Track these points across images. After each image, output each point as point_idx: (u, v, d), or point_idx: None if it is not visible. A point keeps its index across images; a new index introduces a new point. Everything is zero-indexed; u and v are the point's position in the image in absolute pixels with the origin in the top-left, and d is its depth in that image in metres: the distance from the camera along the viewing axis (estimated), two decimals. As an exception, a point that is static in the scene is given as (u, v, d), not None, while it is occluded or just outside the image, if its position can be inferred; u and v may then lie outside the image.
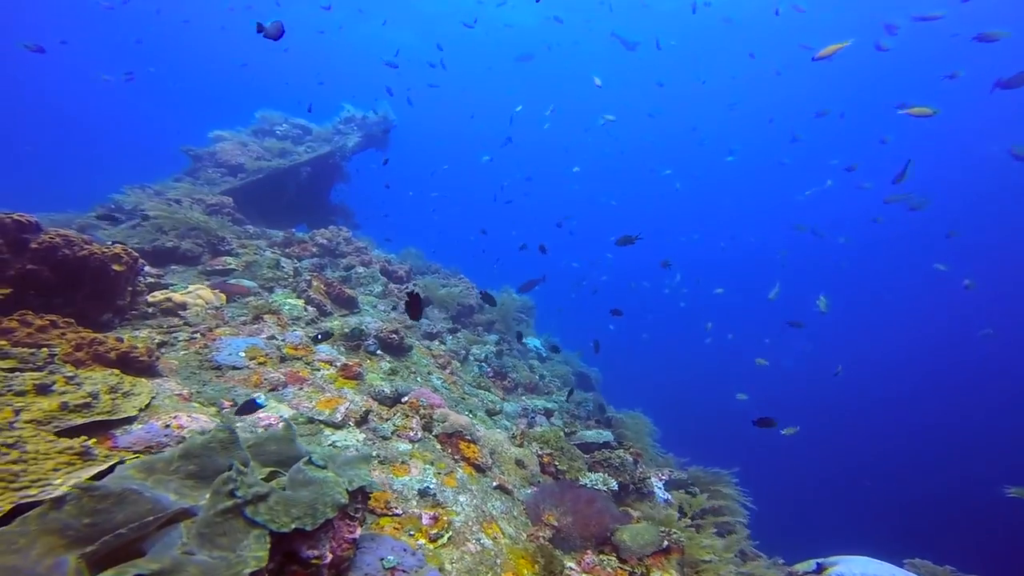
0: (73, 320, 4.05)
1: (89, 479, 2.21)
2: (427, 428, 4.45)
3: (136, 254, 4.94)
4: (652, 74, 29.03)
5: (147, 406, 3.26)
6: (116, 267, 4.71)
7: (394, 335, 5.92)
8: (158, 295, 5.58)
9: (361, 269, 8.64)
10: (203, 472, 2.23)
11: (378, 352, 5.79)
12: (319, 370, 4.82)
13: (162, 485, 2.11)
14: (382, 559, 2.42)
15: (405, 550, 2.56)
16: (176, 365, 4.17)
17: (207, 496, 2.21)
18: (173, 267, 6.91)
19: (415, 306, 3.84)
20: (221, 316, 5.50)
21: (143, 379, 3.51)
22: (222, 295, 5.96)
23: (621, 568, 3.67)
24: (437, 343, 7.42)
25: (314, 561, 2.08)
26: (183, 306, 5.55)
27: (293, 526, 1.91)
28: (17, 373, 2.89)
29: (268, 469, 2.41)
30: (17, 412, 2.49)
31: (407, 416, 4.37)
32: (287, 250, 8.69)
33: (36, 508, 1.90)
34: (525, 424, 6.16)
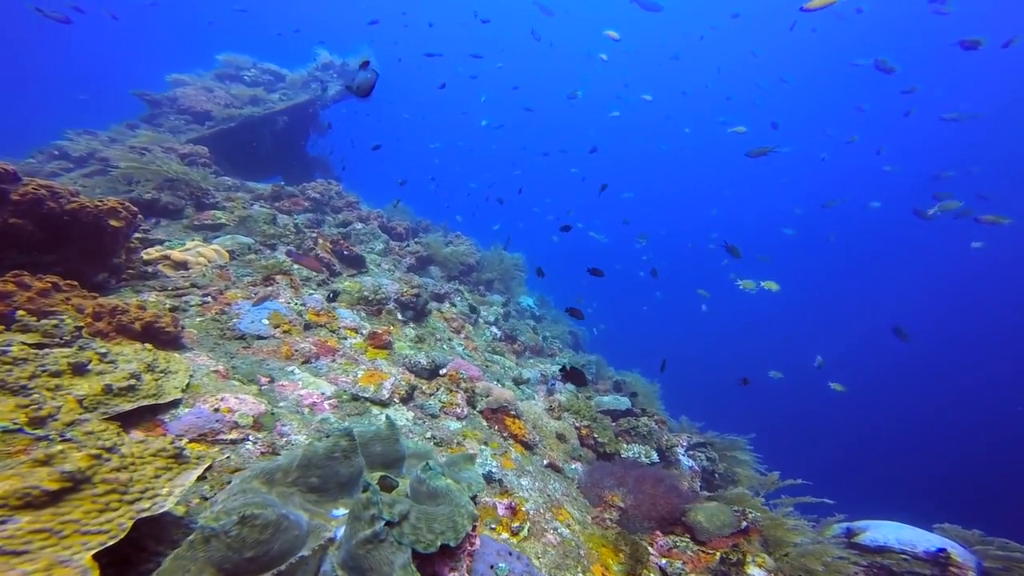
0: (76, 283, 3.59)
1: (194, 482, 1.93)
2: (471, 403, 4.27)
3: (135, 208, 4.39)
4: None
5: (187, 386, 2.92)
6: (114, 222, 4.18)
7: (415, 298, 5.61)
8: (153, 252, 5.06)
9: (359, 226, 8.15)
10: (325, 484, 1.98)
11: (400, 317, 5.50)
12: (346, 339, 4.51)
13: (287, 500, 1.85)
14: (492, 567, 2.27)
15: (511, 554, 2.41)
16: (196, 335, 3.79)
17: (342, 518, 1.98)
18: (154, 221, 6.28)
19: (577, 377, 4.08)
20: (228, 276, 5.04)
21: (175, 354, 3.15)
22: (224, 252, 5.47)
23: (704, 551, 3.55)
24: (447, 305, 7.14)
25: None
26: (184, 265, 5.06)
27: (439, 543, 1.72)
28: (46, 350, 2.49)
29: (378, 473, 2.18)
30: (80, 402, 2.14)
31: (451, 391, 4.16)
32: (276, 204, 8.07)
33: (198, 534, 1.65)
34: (545, 391, 6.08)
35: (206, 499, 2.38)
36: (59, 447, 1.74)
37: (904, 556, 4.36)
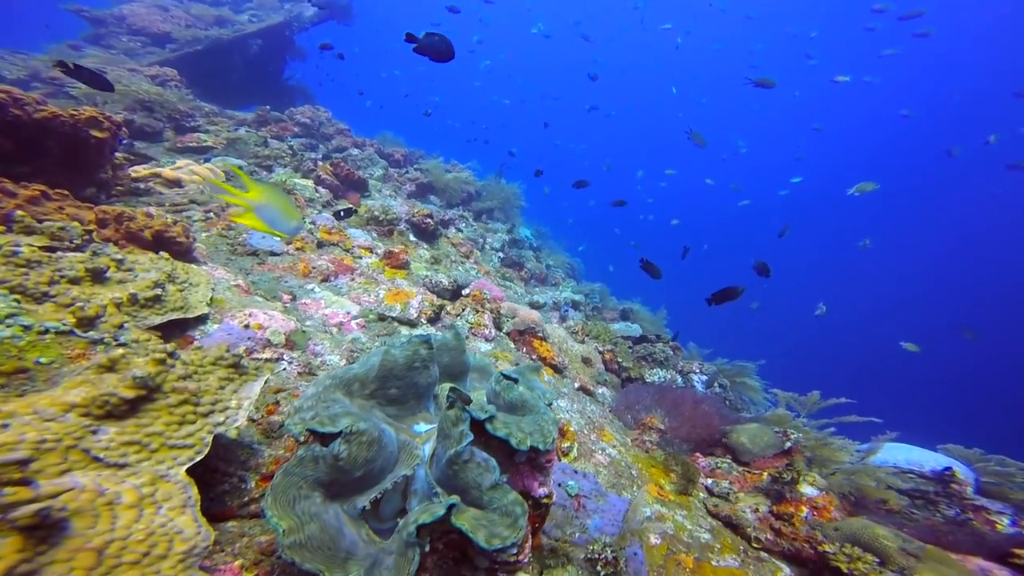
0: (67, 192, 3.24)
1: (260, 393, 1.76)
2: (497, 325, 4.12)
3: (118, 119, 3.93)
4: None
5: (211, 300, 2.69)
6: (96, 133, 3.75)
7: (428, 219, 5.34)
8: (141, 170, 4.63)
9: (355, 151, 7.66)
10: (404, 396, 1.80)
11: (412, 238, 5.23)
12: (361, 258, 4.26)
13: (369, 413, 1.69)
14: (561, 484, 2.20)
15: (576, 472, 2.34)
16: (205, 250, 3.50)
17: (425, 434, 1.83)
18: (127, 143, 5.76)
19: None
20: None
21: (193, 266, 2.89)
22: (221, 171, 5.05)
23: (749, 472, 3.55)
24: (453, 231, 6.87)
25: (545, 500, 1.80)
26: (177, 183, 4.66)
27: (529, 443, 1.58)
28: (59, 254, 2.21)
29: (447, 385, 2.03)
30: (119, 307, 1.90)
31: (477, 312, 3.99)
32: (263, 130, 7.49)
33: (304, 451, 1.49)
34: (558, 318, 5.99)
35: (254, 420, 2.23)
36: (120, 351, 1.54)
37: (912, 475, 4.53)
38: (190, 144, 5.98)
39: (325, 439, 1.58)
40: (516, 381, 1.85)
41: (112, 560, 1.23)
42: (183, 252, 3.06)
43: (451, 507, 1.47)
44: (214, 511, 1.86)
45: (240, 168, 5.58)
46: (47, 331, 1.56)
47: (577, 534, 2.34)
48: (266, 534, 1.88)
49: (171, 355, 1.58)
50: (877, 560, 2.87)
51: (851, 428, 4.12)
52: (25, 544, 1.12)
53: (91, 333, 1.65)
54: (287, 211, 2.28)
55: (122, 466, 1.35)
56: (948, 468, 4.37)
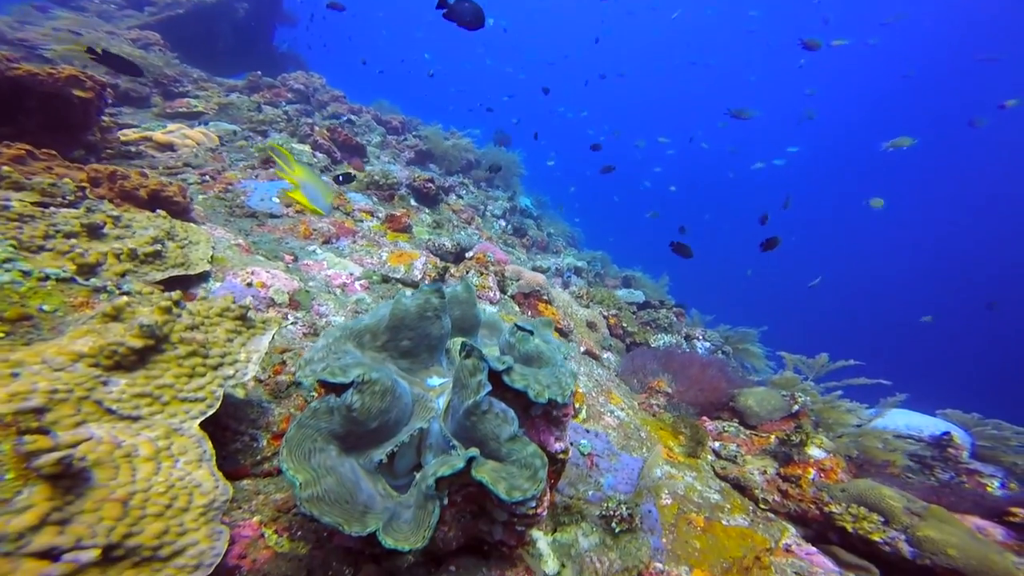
0: (54, 152, 3.12)
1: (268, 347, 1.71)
2: (502, 288, 4.06)
3: (102, 80, 3.77)
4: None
5: (212, 258, 2.62)
6: (79, 93, 3.60)
7: (429, 184, 5.22)
8: (131, 134, 4.48)
9: (352, 118, 7.45)
10: (416, 348, 1.75)
11: (413, 203, 5.13)
12: (362, 221, 4.17)
13: (381, 366, 1.64)
14: (573, 444, 2.17)
15: (588, 431, 2.32)
16: (203, 211, 3.41)
17: (439, 387, 1.79)
18: (115, 109, 5.56)
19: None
20: (221, 159, 4.55)
21: (192, 225, 2.80)
22: (215, 136, 4.90)
23: (757, 435, 3.54)
24: (454, 197, 6.75)
25: (561, 456, 1.76)
26: (170, 147, 4.52)
27: (547, 396, 1.54)
28: (52, 210, 2.12)
29: (459, 339, 1.98)
30: (119, 257, 1.83)
31: (481, 274, 3.92)
32: (255, 96, 7.26)
33: (318, 403, 1.45)
34: (561, 284, 5.94)
35: (261, 381, 2.19)
36: (124, 299, 1.47)
37: (911, 440, 4.57)
38: (180, 109, 5.80)
39: (337, 390, 1.54)
40: (531, 333, 1.80)
41: (137, 512, 1.22)
42: (181, 212, 2.97)
43: (471, 460, 1.43)
44: (227, 469, 1.83)
45: (235, 132, 5.42)
46: (47, 277, 1.49)
47: (591, 492, 2.33)
48: (281, 492, 1.86)
49: (177, 304, 1.52)
50: (882, 519, 2.89)
51: (859, 391, 4.12)
52: (53, 493, 1.10)
53: (93, 281, 1.58)
54: (323, 190, 2.41)
55: (135, 419, 1.31)
56: (946, 433, 4.42)
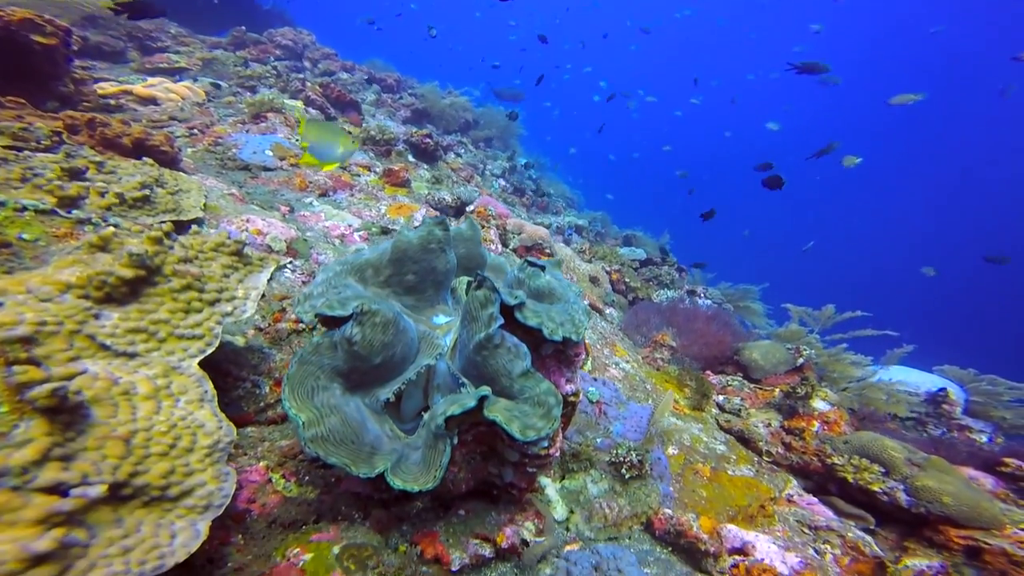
0: (23, 100, 2.96)
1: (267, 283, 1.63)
2: (504, 241, 3.98)
3: (63, 24, 3.53)
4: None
5: (205, 206, 2.51)
6: (40, 39, 3.36)
7: (427, 139, 5.06)
8: (108, 87, 4.28)
9: (344, 75, 7.20)
10: (421, 284, 1.67)
11: (411, 159, 4.98)
12: (360, 175, 4.05)
13: (384, 301, 1.57)
14: (582, 391, 2.12)
15: (596, 379, 2.27)
16: (193, 164, 3.28)
17: (445, 325, 1.72)
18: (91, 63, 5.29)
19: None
20: (209, 113, 4.37)
21: (182, 174, 2.68)
22: (200, 91, 4.69)
23: (761, 389, 3.51)
24: (452, 156, 6.57)
25: (572, 399, 1.71)
26: (152, 100, 4.33)
27: (560, 333, 1.48)
28: (27, 154, 2.00)
29: (465, 279, 1.91)
30: (102, 194, 1.73)
31: (483, 227, 3.83)
32: (240, 52, 6.95)
33: (320, 338, 1.39)
34: (562, 241, 5.85)
35: (261, 330, 2.12)
36: (111, 229, 1.39)
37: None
38: (160, 65, 5.55)
39: (340, 326, 1.47)
40: (543, 269, 1.73)
41: (140, 451, 1.19)
42: (169, 162, 2.85)
43: (483, 398, 1.37)
44: (231, 416, 1.78)
45: (221, 87, 5.21)
46: (24, 208, 1.40)
47: (600, 439, 2.31)
48: (287, 439, 1.82)
49: (168, 235, 1.43)
50: (882, 470, 2.92)
51: (865, 344, 4.08)
52: (51, 427, 1.06)
53: (76, 213, 1.49)
54: (333, 139, 2.30)
55: (131, 355, 1.25)
56: (943, 389, 4.44)
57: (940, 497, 2.68)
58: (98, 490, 1.04)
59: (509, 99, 9.54)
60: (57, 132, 2.30)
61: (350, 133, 2.26)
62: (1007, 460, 3.23)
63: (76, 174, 2.00)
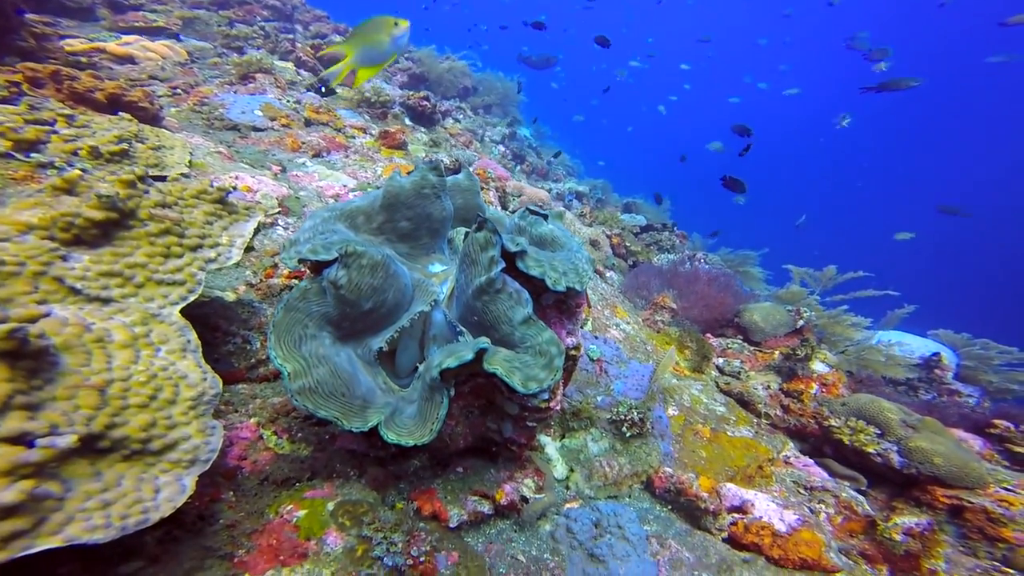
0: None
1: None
2: (503, 203, 3.87)
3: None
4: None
5: (190, 164, 2.40)
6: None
7: (424, 102, 4.89)
8: (77, 44, 4.07)
9: (337, 38, 6.93)
10: (416, 231, 1.59)
11: (408, 122, 4.83)
12: (355, 137, 3.92)
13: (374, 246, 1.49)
14: (584, 348, 2.06)
15: (596, 337, 2.21)
16: (177, 123, 3.15)
17: (442, 273, 1.63)
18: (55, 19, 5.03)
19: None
20: (193, 73, 4.20)
21: (165, 131, 2.57)
22: (182, 51, 4.50)
23: (761, 351, 3.47)
24: (451, 121, 6.39)
25: (573, 352, 1.64)
26: (129, 60, 4.15)
27: (563, 283, 1.40)
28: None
29: (463, 230, 1.82)
30: (67, 140, 1.63)
31: (482, 188, 3.72)
32: (224, 12, 6.66)
33: (307, 283, 1.31)
34: (562, 206, 5.74)
35: (252, 285, 2.05)
36: (77, 171, 1.30)
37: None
38: (135, 23, 5.28)
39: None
40: (545, 218, 1.65)
41: (118, 401, 1.12)
42: (149, 119, 2.72)
43: (482, 351, 1.30)
44: (221, 372, 1.72)
45: (204, 49, 5.01)
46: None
47: (600, 397, 2.27)
48: (279, 395, 1.77)
49: (142, 179, 1.34)
50: (878, 432, 2.91)
51: (866, 306, 4.02)
52: (13, 373, 0.99)
53: (36, 156, 1.39)
54: (378, 33, 2.04)
55: (106, 301, 1.18)
56: (936, 353, 4.42)
57: (931, 458, 2.70)
58: (67, 441, 0.98)
59: (539, 65, 9.25)
60: (15, 83, 2.17)
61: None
62: (996, 422, 3.26)
63: (43, 125, 1.88)
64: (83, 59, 3.78)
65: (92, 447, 1.08)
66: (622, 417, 2.14)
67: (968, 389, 4.15)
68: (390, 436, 1.35)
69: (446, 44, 9.19)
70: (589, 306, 2.89)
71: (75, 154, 1.54)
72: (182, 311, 1.31)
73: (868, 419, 3.05)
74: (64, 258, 1.14)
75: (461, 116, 6.73)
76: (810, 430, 3.13)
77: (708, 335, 3.62)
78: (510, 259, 1.44)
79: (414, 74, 7.18)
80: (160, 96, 3.49)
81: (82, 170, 1.42)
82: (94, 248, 1.20)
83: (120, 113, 2.36)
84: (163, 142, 2.38)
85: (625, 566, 1.57)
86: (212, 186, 1.52)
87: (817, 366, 3.44)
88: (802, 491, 2.50)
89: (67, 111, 2.13)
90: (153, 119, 2.77)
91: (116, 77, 3.66)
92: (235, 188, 2.35)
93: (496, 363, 1.30)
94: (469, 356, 1.27)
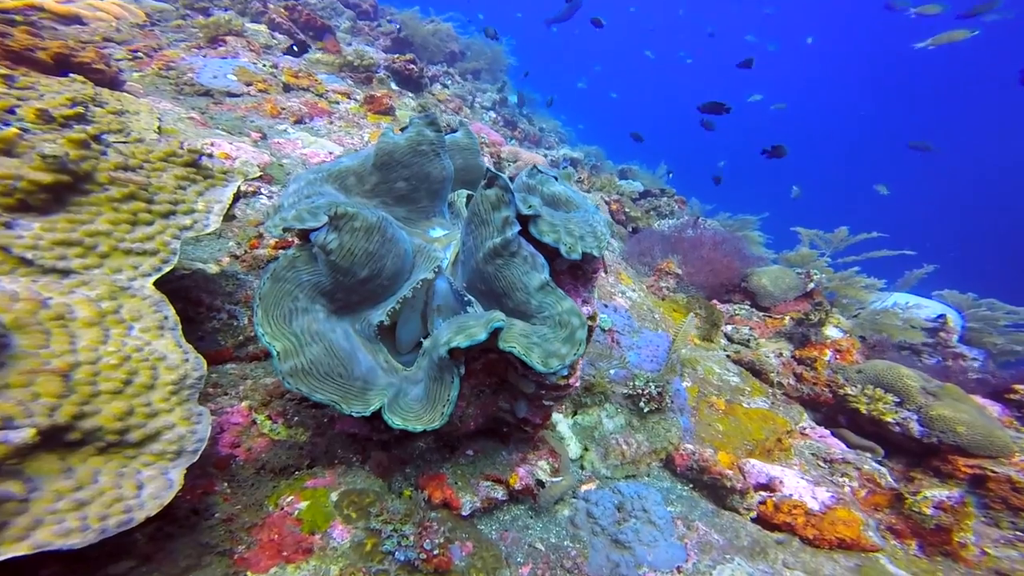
0: None
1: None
2: (498, 168, 3.69)
3: None
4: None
5: (159, 130, 2.18)
6: None
7: (411, 65, 4.62)
8: (6, 0, 3.71)
9: (314, 0, 6.53)
10: (415, 192, 1.42)
11: (394, 87, 4.57)
12: (338, 103, 3.68)
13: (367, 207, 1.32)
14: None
15: (606, 306, 2.06)
16: (142, 89, 2.90)
17: (444, 238, 1.47)
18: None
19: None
20: (155, 36, 3.89)
21: (127, 95, 2.33)
22: (139, 11, 4.15)
23: (770, 317, 3.35)
24: (439, 87, 6.10)
25: (589, 322, 1.48)
26: (76, 20, 3.78)
27: (580, 249, 1.24)
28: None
29: (465, 192, 1.66)
30: (10, 111, 1.42)
31: (477, 154, 3.53)
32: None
33: (296, 250, 1.16)
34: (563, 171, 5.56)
35: (237, 257, 1.88)
36: (14, 130, 1.11)
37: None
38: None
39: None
40: (555, 178, 1.48)
41: (86, 388, 0.98)
42: (106, 83, 2.47)
43: (496, 330, 1.13)
44: (207, 352, 1.57)
45: (162, 12, 4.66)
46: None
47: (614, 370, 2.15)
48: (271, 376, 1.62)
49: (96, 138, 1.16)
50: (896, 400, 2.82)
51: (879, 267, 3.90)
52: None
53: None
54: None
55: (65, 272, 1.01)
56: (942, 316, 4.35)
57: (954, 426, 2.61)
58: (24, 435, 0.83)
59: (566, 16, 8.97)
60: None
61: None
62: (1017, 386, 3.17)
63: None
64: (17, 17, 3.46)
65: (60, 440, 0.94)
66: (639, 391, 2.02)
67: (973, 352, 4.09)
68: (396, 421, 1.21)
69: (431, 6, 8.76)
70: (607, 271, 2.75)
71: (11, 112, 1.34)
72: (156, 284, 1.14)
73: (886, 387, 2.95)
74: (8, 225, 0.97)
75: (449, 82, 6.44)
76: (824, 399, 3.04)
77: (714, 301, 3.51)
78: (522, 222, 1.28)
79: (397, 38, 6.83)
80: (119, 60, 3.22)
81: (22, 129, 1.23)
82: (46, 215, 1.03)
83: (71, 75, 2.12)
84: (126, 106, 2.15)
85: (653, 552, 1.47)
86: (183, 147, 1.34)
87: (830, 331, 3.34)
88: (822, 464, 2.41)
89: (4, 71, 1.90)
90: (112, 83, 2.53)
91: (61, 38, 3.36)
92: (211, 155, 2.14)
93: (512, 340, 1.14)
94: (482, 336, 1.10)
